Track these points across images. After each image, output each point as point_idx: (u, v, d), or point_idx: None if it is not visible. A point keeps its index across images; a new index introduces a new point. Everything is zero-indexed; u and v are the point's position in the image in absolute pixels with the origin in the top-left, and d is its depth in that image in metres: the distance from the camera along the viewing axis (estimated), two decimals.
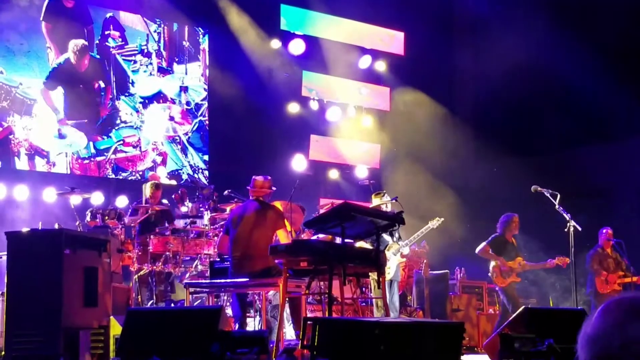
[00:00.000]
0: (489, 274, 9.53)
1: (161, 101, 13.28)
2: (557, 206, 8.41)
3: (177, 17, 13.33)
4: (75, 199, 9.72)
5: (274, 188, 7.48)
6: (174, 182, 12.93)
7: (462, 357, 4.97)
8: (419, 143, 14.07)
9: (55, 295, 5.59)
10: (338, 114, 14.44)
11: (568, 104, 13.28)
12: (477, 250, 9.58)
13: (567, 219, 8.29)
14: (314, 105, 14.23)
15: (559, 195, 8.39)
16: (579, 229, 8.16)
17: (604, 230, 10.46)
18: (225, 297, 8.25)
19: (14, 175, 11.27)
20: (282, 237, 7.13)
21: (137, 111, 12.97)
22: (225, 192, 9.99)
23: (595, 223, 10.84)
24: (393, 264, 8.67)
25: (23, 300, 5.65)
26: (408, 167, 13.78)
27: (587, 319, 1.59)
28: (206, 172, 13.57)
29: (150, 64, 13.20)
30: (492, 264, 9.44)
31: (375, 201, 8.85)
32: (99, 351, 5.87)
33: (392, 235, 8.69)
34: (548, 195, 8.45)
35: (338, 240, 5.86)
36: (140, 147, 12.92)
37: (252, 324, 7.99)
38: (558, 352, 5.62)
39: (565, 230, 8.61)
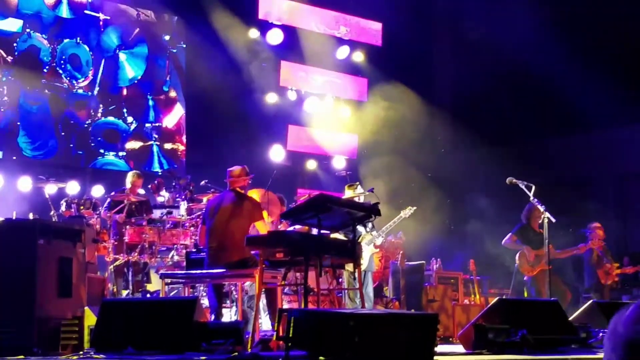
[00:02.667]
0: (516, 264, 9.65)
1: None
2: (532, 198, 8.46)
3: (154, 5, 13.23)
4: (50, 189, 9.64)
5: (251, 175, 7.46)
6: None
7: (436, 348, 5.01)
8: (396, 134, 14.10)
9: (29, 286, 5.53)
10: (316, 104, 14.43)
11: (546, 95, 13.37)
12: (503, 241, 9.78)
13: (542, 210, 8.34)
14: (291, 96, 14.21)
15: (533, 187, 8.44)
16: (553, 220, 8.22)
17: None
18: (202, 288, 8.23)
19: None
20: (260, 228, 7.12)
21: None
22: (202, 182, 9.95)
23: (572, 213, 10.96)
24: (366, 255, 8.68)
25: None
26: (385, 157, 13.81)
27: (621, 315, 1.51)
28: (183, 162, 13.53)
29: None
30: (518, 253, 9.59)
31: (348, 193, 8.84)
32: (73, 342, 5.82)
33: (365, 226, 8.70)
34: (523, 187, 8.50)
35: (314, 231, 5.87)
36: None
37: (228, 314, 7.98)
38: (531, 342, 5.68)
39: (540, 222, 8.68)
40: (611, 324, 1.52)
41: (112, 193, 9.83)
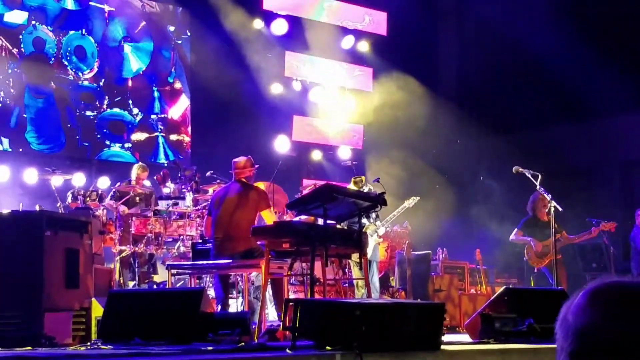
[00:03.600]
0: (525, 258, 9.63)
1: None
2: (538, 187, 8.45)
3: None
4: (56, 180, 9.65)
5: (256, 166, 7.46)
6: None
7: (443, 337, 5.01)
8: (401, 123, 14.06)
9: (36, 277, 5.56)
10: (321, 94, 14.40)
11: (551, 83, 13.32)
12: (510, 238, 9.76)
13: (548, 199, 8.32)
14: (296, 86, 14.17)
15: (540, 176, 8.42)
16: (560, 209, 8.20)
17: None
18: (208, 279, 8.25)
19: None
20: (267, 217, 7.12)
21: None
22: (208, 173, 9.96)
23: (578, 202, 10.92)
24: (370, 245, 8.68)
25: (3, 282, 5.62)
26: (390, 147, 13.78)
27: (571, 303, 1.47)
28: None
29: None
30: (527, 246, 9.58)
31: (353, 188, 8.81)
32: (80, 333, 5.85)
33: (368, 216, 8.69)
34: (529, 175, 8.48)
35: (320, 221, 5.87)
36: None
37: (235, 305, 8.00)
38: (538, 331, 5.67)
39: (547, 210, 8.66)
40: (562, 312, 1.48)
41: (117, 184, 9.84)
